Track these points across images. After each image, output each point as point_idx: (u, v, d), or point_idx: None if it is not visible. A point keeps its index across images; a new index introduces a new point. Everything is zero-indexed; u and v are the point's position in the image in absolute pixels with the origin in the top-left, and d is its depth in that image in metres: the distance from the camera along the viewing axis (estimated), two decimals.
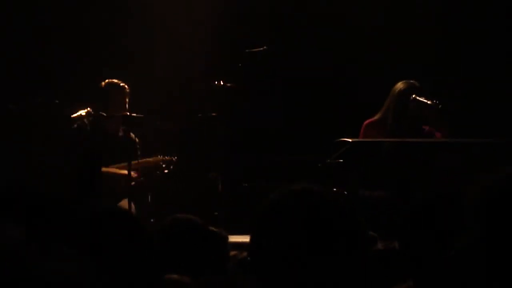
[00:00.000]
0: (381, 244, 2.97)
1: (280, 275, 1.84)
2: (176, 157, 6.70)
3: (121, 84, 6.60)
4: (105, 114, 6.53)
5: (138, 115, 6.54)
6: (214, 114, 7.10)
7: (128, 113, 6.51)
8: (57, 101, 6.80)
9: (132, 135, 6.70)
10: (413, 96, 6.10)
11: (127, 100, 6.59)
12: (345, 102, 7.59)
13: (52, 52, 7.84)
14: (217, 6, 7.98)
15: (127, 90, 6.60)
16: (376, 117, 6.19)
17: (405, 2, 7.89)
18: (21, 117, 7.50)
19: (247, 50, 7.04)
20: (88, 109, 6.52)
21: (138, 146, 6.71)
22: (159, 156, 6.67)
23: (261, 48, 7.00)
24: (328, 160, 5.81)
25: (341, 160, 5.78)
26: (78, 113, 6.51)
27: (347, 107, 7.38)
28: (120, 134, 6.69)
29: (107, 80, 6.63)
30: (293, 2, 8.06)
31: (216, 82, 7.02)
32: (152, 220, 6.48)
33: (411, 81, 6.18)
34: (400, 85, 6.16)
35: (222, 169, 7.08)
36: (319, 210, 1.86)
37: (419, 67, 7.32)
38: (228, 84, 7.01)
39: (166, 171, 6.70)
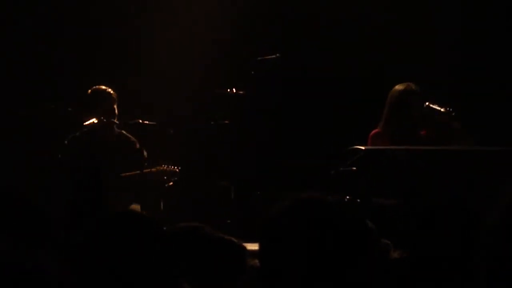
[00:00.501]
0: (396, 253, 2.94)
1: (289, 282, 1.83)
2: (179, 168, 6.59)
3: (108, 90, 6.52)
4: (117, 122, 6.52)
5: (150, 123, 6.53)
6: (226, 121, 7.08)
7: (117, 119, 6.46)
8: (70, 109, 6.79)
9: (127, 135, 6.61)
10: (426, 103, 6.05)
11: (115, 106, 6.51)
12: (359, 108, 7.54)
13: (57, 56, 7.85)
14: (229, 14, 7.97)
15: (115, 96, 6.52)
16: (380, 127, 6.13)
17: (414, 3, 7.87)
18: (31, 122, 7.50)
19: (259, 58, 7.01)
20: (101, 117, 6.50)
21: (137, 145, 6.59)
22: (162, 166, 6.58)
23: (273, 56, 6.98)
24: (341, 168, 5.77)
25: (354, 168, 5.73)
26: (91, 121, 6.50)
27: (361, 114, 7.33)
28: (113, 140, 6.62)
29: (94, 87, 6.56)
30: (305, 8, 8.04)
31: (228, 90, 7.00)
32: (164, 228, 6.43)
33: (408, 83, 6.08)
34: (396, 90, 6.08)
35: (234, 176, 7.05)
36: (326, 218, 1.86)
37: (433, 69, 7.30)
38: (240, 92, 6.99)
39: (171, 183, 6.61)
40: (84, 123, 6.49)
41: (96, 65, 7.77)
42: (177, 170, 6.58)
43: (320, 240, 1.83)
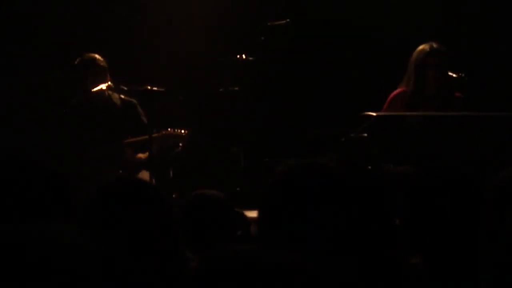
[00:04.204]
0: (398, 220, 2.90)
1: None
2: (185, 131, 6.57)
3: (97, 57, 6.48)
4: (125, 88, 6.50)
5: (159, 89, 6.48)
6: (235, 88, 7.04)
7: (111, 84, 6.42)
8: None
9: (128, 99, 6.60)
10: None
11: (106, 70, 6.45)
12: (370, 74, 7.47)
13: (66, 22, 7.81)
14: None
15: (103, 63, 6.47)
16: (401, 88, 6.00)
17: None
18: (41, 90, 7.50)
19: (269, 23, 6.94)
20: (109, 83, 6.46)
21: (139, 108, 6.60)
22: (168, 130, 6.55)
23: (284, 21, 6.90)
24: (352, 134, 5.72)
25: (365, 134, 5.68)
26: (99, 87, 6.46)
27: (373, 80, 7.26)
28: (118, 104, 6.60)
29: (79, 58, 6.52)
30: None
31: (238, 56, 6.94)
32: (174, 195, 6.44)
33: (430, 43, 5.87)
34: (417, 50, 5.92)
35: (243, 144, 7.02)
36: (324, 184, 1.81)
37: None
38: (250, 58, 6.93)
39: (179, 148, 6.59)
40: (92, 90, 6.45)
41: (107, 30, 7.72)
42: (183, 133, 6.55)
43: (319, 207, 1.78)
